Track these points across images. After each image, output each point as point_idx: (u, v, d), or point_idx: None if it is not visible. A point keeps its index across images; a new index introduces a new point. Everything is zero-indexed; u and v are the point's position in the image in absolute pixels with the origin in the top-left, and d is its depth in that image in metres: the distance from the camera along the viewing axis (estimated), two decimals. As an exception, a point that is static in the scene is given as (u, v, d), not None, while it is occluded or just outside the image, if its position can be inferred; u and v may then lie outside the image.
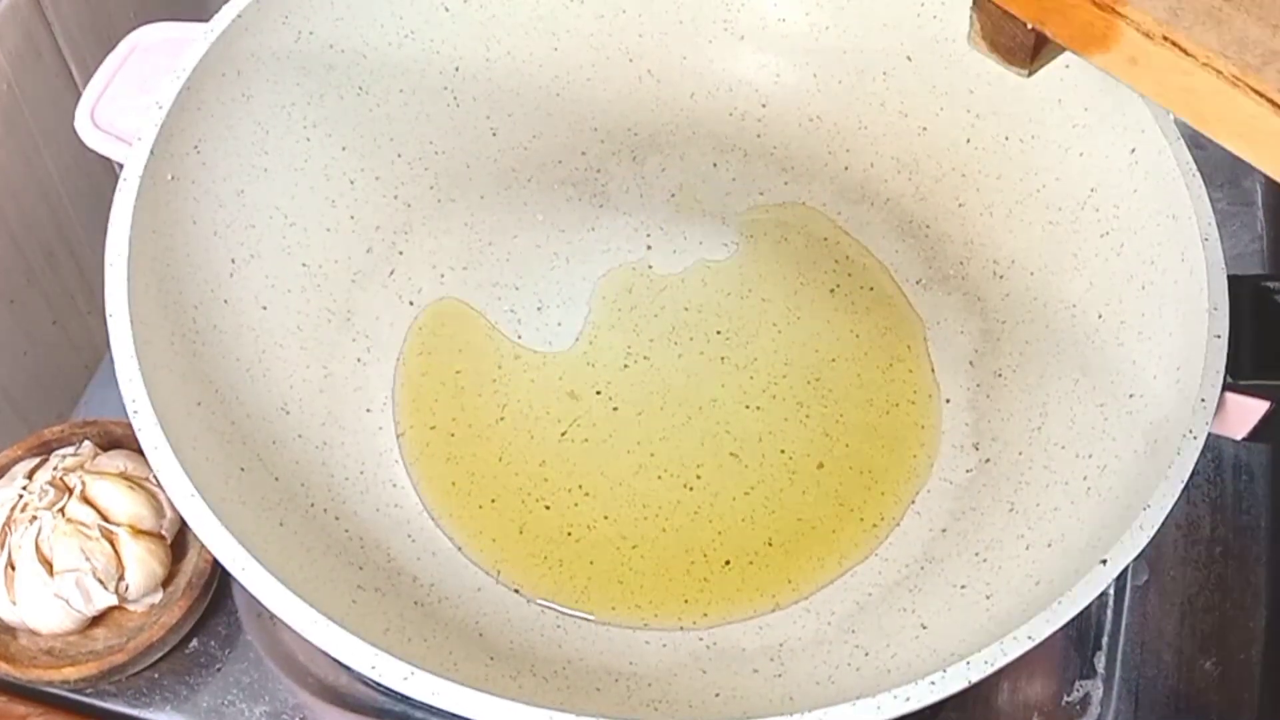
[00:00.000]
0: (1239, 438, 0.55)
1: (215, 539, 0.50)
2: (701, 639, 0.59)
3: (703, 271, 0.70)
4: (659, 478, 0.63)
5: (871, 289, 0.70)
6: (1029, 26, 0.43)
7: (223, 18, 0.61)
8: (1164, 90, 0.38)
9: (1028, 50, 0.46)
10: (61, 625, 0.59)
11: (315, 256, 0.66)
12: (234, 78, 0.62)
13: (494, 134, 0.72)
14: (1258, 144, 0.37)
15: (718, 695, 0.56)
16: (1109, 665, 0.63)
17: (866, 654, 0.56)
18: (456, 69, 0.71)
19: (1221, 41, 0.36)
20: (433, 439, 0.64)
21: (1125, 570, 0.50)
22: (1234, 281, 0.55)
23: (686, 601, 0.60)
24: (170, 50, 0.72)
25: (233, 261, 0.62)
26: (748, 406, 0.65)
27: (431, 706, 0.47)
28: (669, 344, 0.67)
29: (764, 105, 0.74)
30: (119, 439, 0.64)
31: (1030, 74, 0.48)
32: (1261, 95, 0.35)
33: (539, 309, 0.69)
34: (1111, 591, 0.49)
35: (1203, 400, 0.52)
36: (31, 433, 0.64)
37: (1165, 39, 0.37)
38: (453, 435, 0.64)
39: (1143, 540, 0.51)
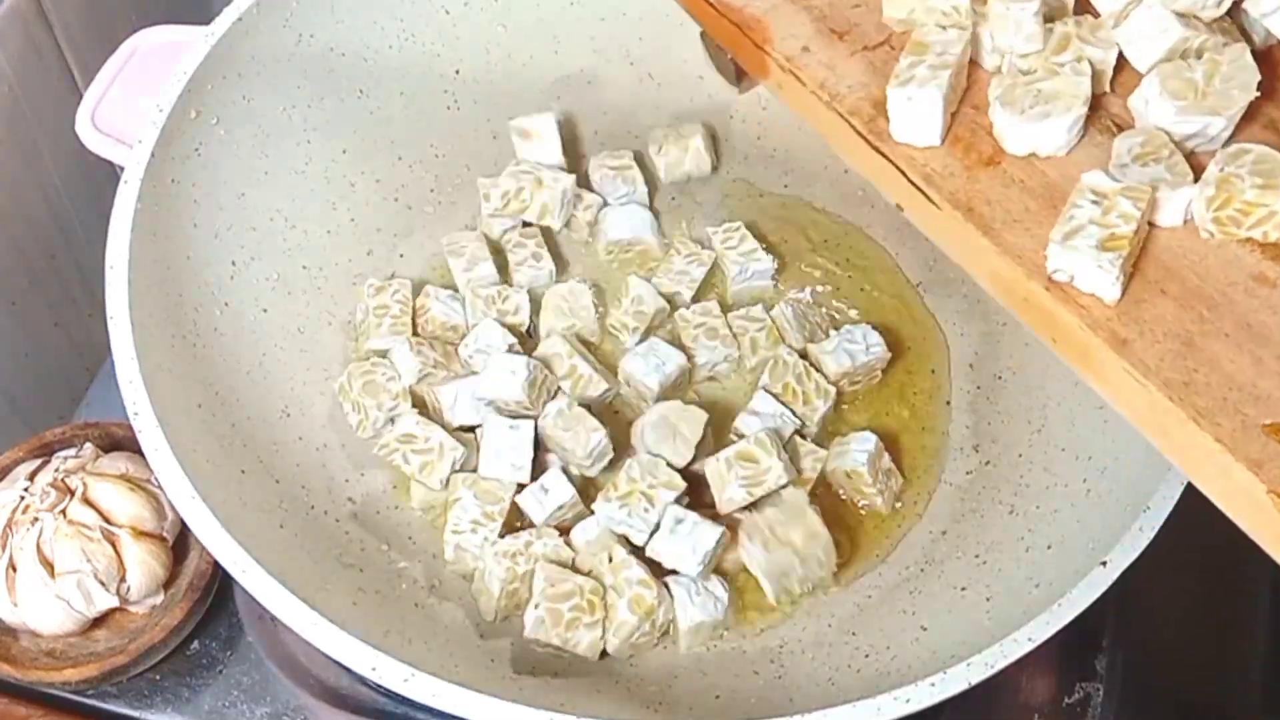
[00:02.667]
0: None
1: (216, 541, 0.50)
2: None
3: (703, 273, 0.70)
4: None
5: (873, 290, 0.70)
6: (729, 55, 0.55)
7: (223, 21, 0.61)
8: (802, 107, 0.51)
9: (733, 73, 0.59)
10: (63, 627, 0.59)
11: (316, 259, 0.66)
12: (235, 81, 0.62)
13: (494, 136, 0.72)
14: (846, 148, 0.50)
15: (718, 697, 0.56)
16: (1110, 667, 0.63)
17: (867, 655, 0.56)
18: (457, 72, 0.71)
19: (819, 79, 0.50)
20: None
21: (1125, 572, 0.50)
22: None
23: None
24: (171, 53, 0.72)
25: (233, 264, 0.62)
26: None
27: (432, 708, 0.47)
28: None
29: (764, 108, 0.74)
30: (120, 441, 0.64)
31: (741, 92, 0.62)
32: (845, 116, 0.50)
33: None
34: (1112, 593, 0.49)
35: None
36: (33, 434, 0.65)
37: (790, 71, 0.51)
38: (453, 437, 0.64)
39: (1143, 542, 0.51)
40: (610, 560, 0.58)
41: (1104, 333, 0.42)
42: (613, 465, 0.61)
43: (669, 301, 0.67)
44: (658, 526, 0.58)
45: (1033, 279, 0.44)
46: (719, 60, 0.59)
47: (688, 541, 0.57)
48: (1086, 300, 0.43)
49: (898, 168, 0.48)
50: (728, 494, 0.58)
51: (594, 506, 0.59)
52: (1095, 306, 0.43)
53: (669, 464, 0.59)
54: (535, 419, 0.61)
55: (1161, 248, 0.44)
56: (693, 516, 0.57)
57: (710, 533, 0.57)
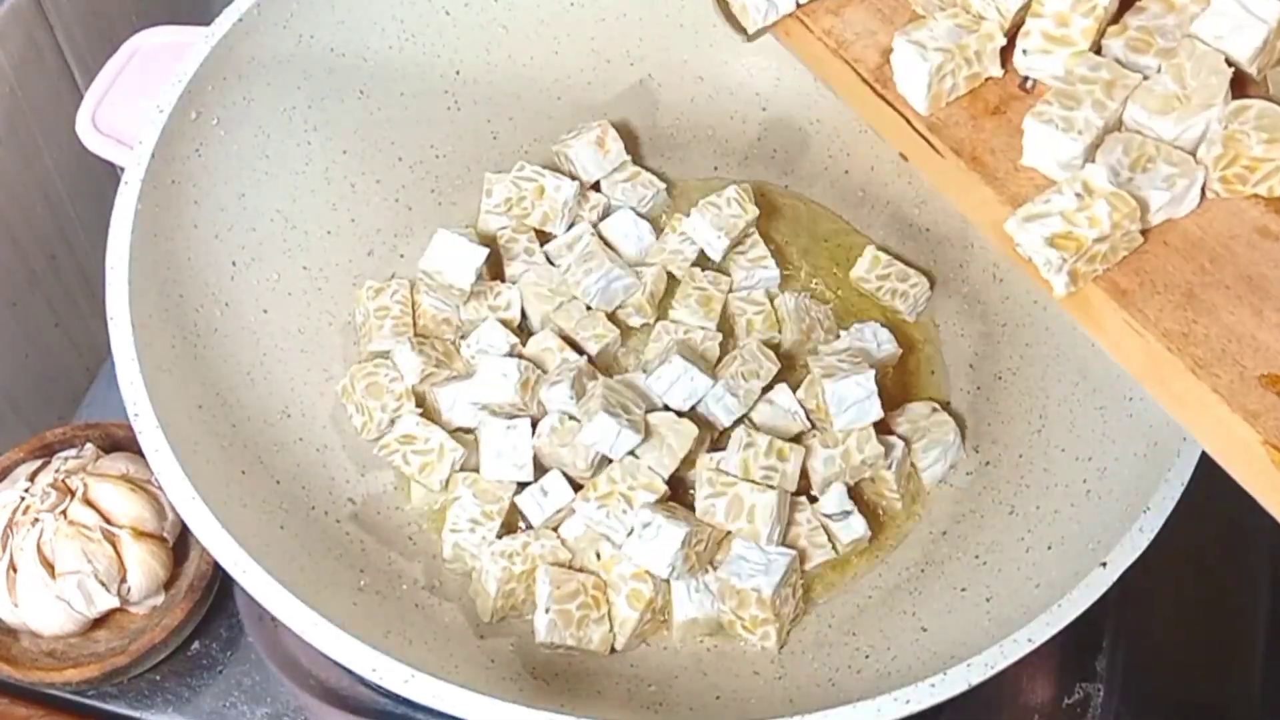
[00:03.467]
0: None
1: (216, 542, 0.50)
2: (703, 641, 0.59)
3: (703, 274, 0.70)
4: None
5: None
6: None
7: (224, 21, 0.61)
8: (808, 55, 0.51)
9: (741, 22, 0.55)
10: (63, 627, 0.59)
11: (316, 259, 0.66)
12: (235, 81, 0.62)
13: (495, 137, 0.72)
14: (851, 96, 0.50)
15: (718, 697, 0.56)
16: (1110, 667, 0.63)
17: (867, 656, 0.56)
18: (457, 72, 0.71)
19: (826, 26, 0.50)
20: (434, 442, 0.64)
21: (1125, 572, 0.50)
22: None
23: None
24: (171, 54, 0.72)
25: (234, 265, 0.62)
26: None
27: (432, 709, 0.47)
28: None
29: (764, 109, 0.74)
30: (121, 441, 0.65)
31: (749, 40, 0.58)
32: (851, 64, 0.49)
33: (540, 312, 0.69)
34: (1112, 594, 0.49)
35: (1202, 403, 0.52)
36: (33, 435, 0.65)
37: (796, 17, 0.50)
38: (454, 438, 0.64)
39: (1143, 543, 0.51)
40: (599, 558, 0.58)
41: (1104, 283, 0.42)
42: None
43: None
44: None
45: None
46: (725, 9, 0.59)
47: (654, 544, 0.56)
48: None
49: (902, 115, 0.47)
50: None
51: (574, 505, 0.59)
52: None
53: (651, 466, 0.59)
54: (532, 417, 0.61)
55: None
56: (659, 519, 0.56)
57: (674, 534, 0.56)
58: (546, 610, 0.56)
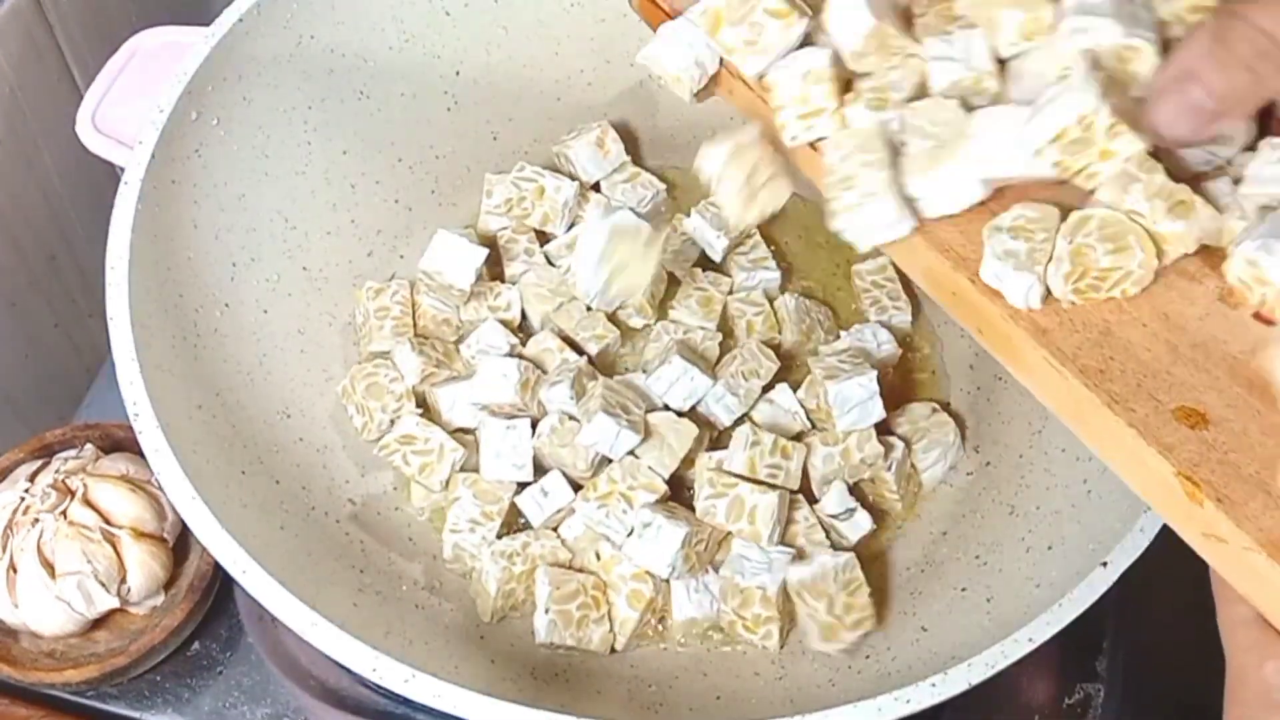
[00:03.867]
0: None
1: (216, 542, 0.50)
2: (703, 641, 0.59)
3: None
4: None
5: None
6: None
7: (224, 22, 0.61)
8: (746, 107, 0.52)
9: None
10: (63, 628, 0.59)
11: (316, 260, 0.66)
12: (235, 82, 0.62)
13: (495, 138, 0.72)
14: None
15: (718, 698, 0.56)
16: (1110, 668, 0.63)
17: (867, 656, 0.56)
18: (457, 73, 0.71)
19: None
20: (434, 442, 0.64)
21: (1126, 572, 0.50)
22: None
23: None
24: (171, 54, 0.72)
25: (234, 265, 0.62)
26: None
27: (433, 709, 0.47)
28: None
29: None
30: (121, 442, 0.65)
31: (698, 101, 0.59)
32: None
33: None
34: (1113, 594, 0.49)
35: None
36: (33, 435, 0.65)
37: (737, 76, 0.51)
38: (454, 438, 0.64)
39: (1143, 542, 0.51)
40: (599, 558, 0.58)
41: (1025, 322, 0.44)
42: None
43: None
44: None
45: (958, 271, 0.45)
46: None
47: (654, 545, 0.56)
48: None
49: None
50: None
51: (574, 505, 0.59)
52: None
53: (651, 466, 0.59)
54: (532, 418, 0.61)
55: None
56: (659, 519, 0.56)
57: (675, 534, 0.56)
58: (546, 611, 0.56)
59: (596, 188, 0.71)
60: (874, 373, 0.60)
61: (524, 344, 0.64)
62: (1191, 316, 0.43)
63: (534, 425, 0.61)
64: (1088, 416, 0.42)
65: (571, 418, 0.60)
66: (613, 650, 0.58)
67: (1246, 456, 0.39)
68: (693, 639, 0.58)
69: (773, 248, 0.69)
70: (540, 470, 0.61)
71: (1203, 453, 0.40)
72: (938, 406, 0.64)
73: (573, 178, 0.69)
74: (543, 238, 0.69)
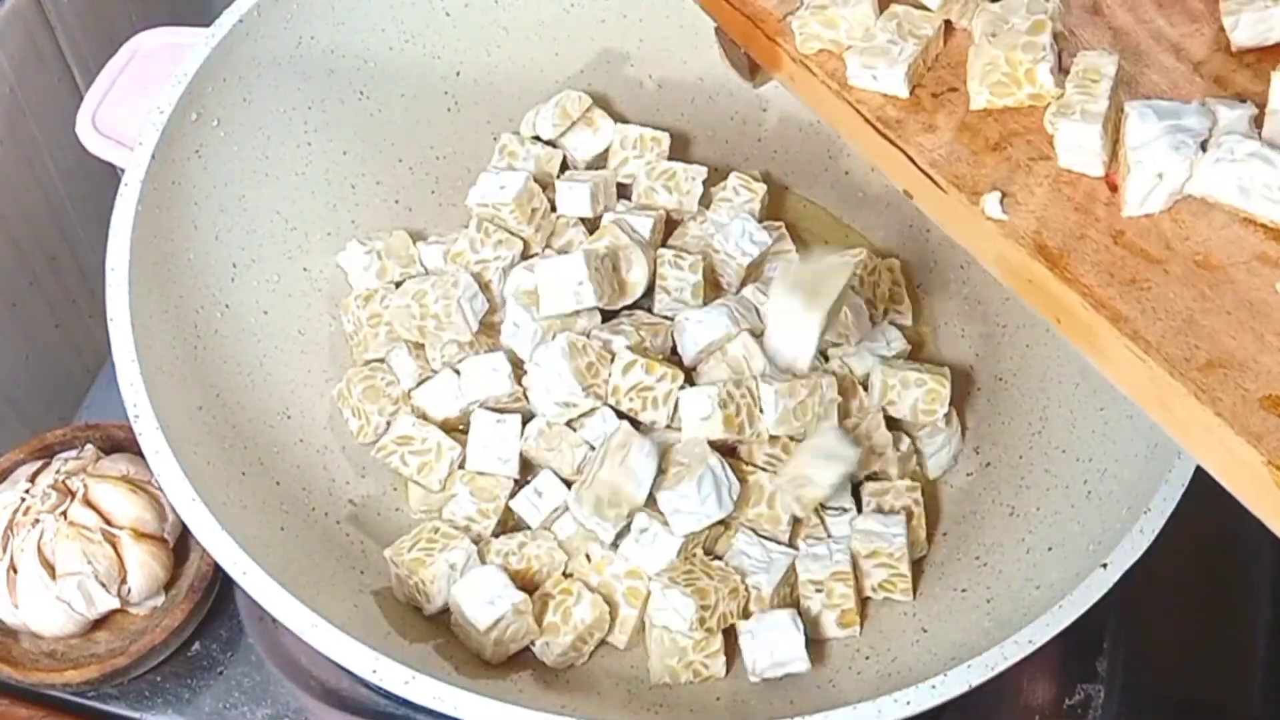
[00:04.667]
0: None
1: (216, 543, 0.50)
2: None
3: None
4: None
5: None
6: (742, 50, 0.56)
7: (224, 23, 0.61)
8: (813, 98, 0.53)
9: (747, 68, 0.60)
10: (63, 628, 0.59)
11: (316, 261, 0.66)
12: (235, 83, 0.62)
13: (495, 139, 0.72)
14: (856, 136, 0.51)
15: (718, 699, 0.56)
16: (1110, 669, 0.63)
17: (867, 657, 0.56)
18: (457, 74, 0.71)
19: (830, 69, 0.52)
20: (434, 443, 0.64)
21: (1126, 574, 0.50)
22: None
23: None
24: (171, 55, 0.72)
25: (234, 266, 0.62)
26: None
27: (433, 710, 0.47)
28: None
29: (764, 110, 0.74)
30: (121, 442, 0.65)
31: (756, 86, 0.63)
32: (854, 105, 0.51)
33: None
34: (1113, 595, 0.49)
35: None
36: (34, 436, 0.65)
37: (801, 62, 0.52)
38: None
39: (1143, 544, 0.51)
40: (590, 560, 0.58)
41: (1107, 311, 0.43)
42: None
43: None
44: (627, 528, 0.58)
45: (1036, 259, 0.44)
46: (733, 55, 0.60)
47: (651, 549, 0.57)
48: (1089, 279, 0.44)
49: (905, 154, 0.49)
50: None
51: (567, 501, 0.59)
52: (1098, 286, 0.44)
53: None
54: (521, 413, 0.61)
55: (1164, 227, 0.45)
56: (655, 526, 0.57)
57: (669, 545, 0.56)
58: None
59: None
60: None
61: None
62: (1275, 304, 0.42)
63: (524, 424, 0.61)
64: (1173, 406, 0.41)
65: (569, 404, 0.60)
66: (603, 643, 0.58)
67: None
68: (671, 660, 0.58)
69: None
70: (527, 469, 0.61)
71: None
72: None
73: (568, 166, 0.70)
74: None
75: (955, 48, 0.52)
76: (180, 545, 0.62)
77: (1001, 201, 0.46)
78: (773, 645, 0.55)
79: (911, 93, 0.50)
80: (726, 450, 0.59)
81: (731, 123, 0.75)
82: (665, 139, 0.69)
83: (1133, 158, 0.45)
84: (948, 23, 0.52)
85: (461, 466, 0.61)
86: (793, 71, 0.53)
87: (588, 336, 0.60)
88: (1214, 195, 0.44)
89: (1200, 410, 0.40)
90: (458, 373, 0.62)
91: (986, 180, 0.47)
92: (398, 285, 0.65)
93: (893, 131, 0.49)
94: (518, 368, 0.62)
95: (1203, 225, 0.44)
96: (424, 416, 0.62)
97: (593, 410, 0.59)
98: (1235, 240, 0.44)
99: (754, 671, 0.55)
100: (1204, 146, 0.45)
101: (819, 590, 0.57)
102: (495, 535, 0.60)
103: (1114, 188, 0.46)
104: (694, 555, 0.57)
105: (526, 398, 0.61)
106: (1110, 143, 0.46)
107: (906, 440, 0.62)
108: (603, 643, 0.58)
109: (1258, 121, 0.45)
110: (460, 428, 0.63)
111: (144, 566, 0.60)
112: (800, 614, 0.57)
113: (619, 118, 0.71)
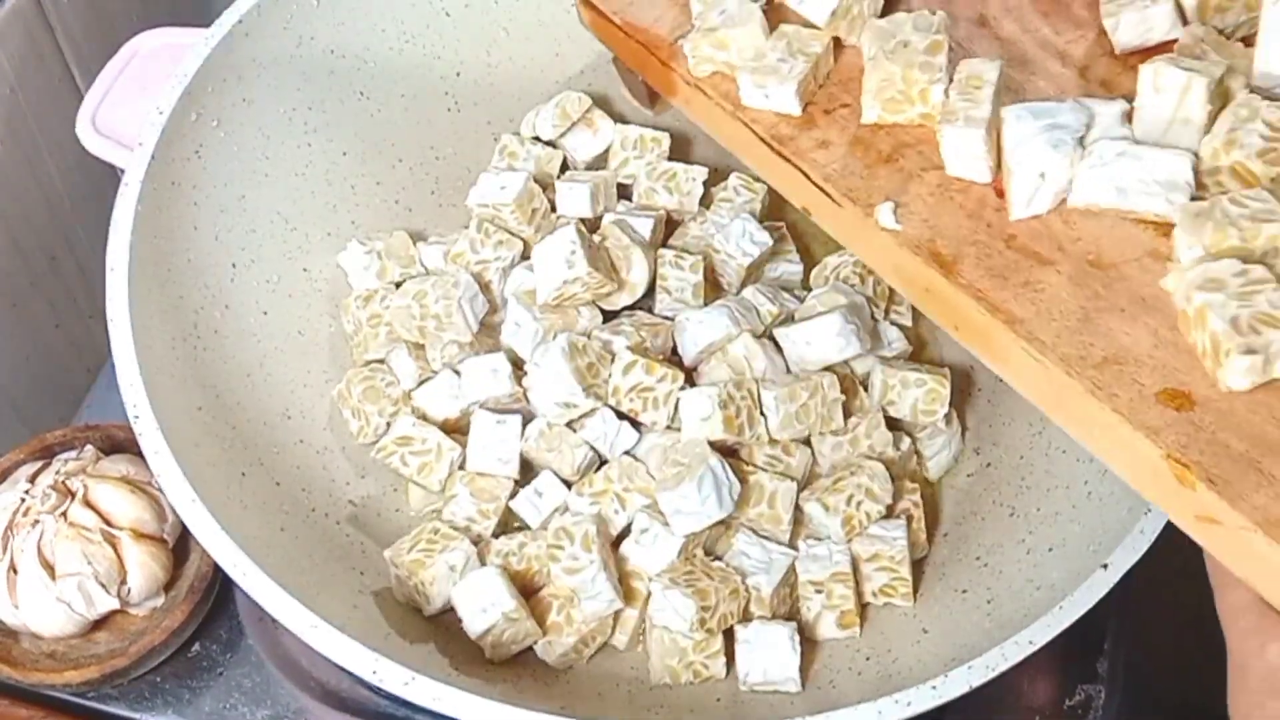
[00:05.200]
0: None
1: (216, 544, 0.50)
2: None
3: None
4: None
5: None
6: (640, 78, 0.58)
7: (224, 23, 0.61)
8: (709, 121, 0.54)
9: (645, 95, 0.63)
10: (63, 629, 0.59)
11: (316, 261, 0.66)
12: (235, 83, 0.62)
13: (495, 139, 0.72)
14: (752, 156, 0.52)
15: (719, 700, 0.56)
16: (1111, 669, 0.63)
17: (868, 658, 0.56)
18: (458, 74, 0.71)
19: (723, 90, 0.53)
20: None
21: (1126, 574, 0.50)
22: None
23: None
24: (171, 55, 0.72)
25: (234, 266, 0.62)
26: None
27: (433, 711, 0.47)
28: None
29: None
30: (121, 443, 0.65)
31: (656, 113, 0.66)
32: (748, 124, 0.52)
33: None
34: (1113, 596, 0.49)
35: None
36: (34, 436, 0.65)
37: (695, 86, 0.53)
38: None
39: (1144, 544, 0.51)
40: None
41: (1001, 314, 0.43)
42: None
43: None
44: (627, 529, 0.58)
45: (930, 267, 0.45)
46: (631, 84, 0.62)
47: (652, 550, 0.57)
48: (984, 284, 0.44)
49: (800, 170, 0.50)
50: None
51: (567, 499, 0.59)
52: (992, 290, 0.44)
53: (649, 471, 0.59)
54: (524, 415, 0.61)
55: (1055, 229, 0.45)
56: (656, 527, 0.57)
57: (670, 545, 0.56)
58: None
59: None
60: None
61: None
62: (1167, 298, 0.43)
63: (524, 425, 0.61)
64: (1070, 405, 0.42)
65: (569, 404, 0.60)
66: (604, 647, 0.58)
67: (1235, 434, 0.39)
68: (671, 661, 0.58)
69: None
70: (527, 470, 0.61)
71: (1191, 434, 0.39)
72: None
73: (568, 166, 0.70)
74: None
75: (845, 64, 0.53)
76: (180, 546, 0.62)
77: (895, 211, 0.46)
78: (766, 662, 0.55)
79: (804, 110, 0.51)
80: (727, 451, 0.59)
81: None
82: (665, 139, 0.69)
83: (1013, 159, 0.45)
84: (837, 40, 0.53)
85: (461, 467, 0.61)
86: (688, 95, 0.54)
87: (588, 337, 0.60)
88: (1095, 203, 0.45)
89: (1097, 407, 0.41)
90: (458, 373, 0.62)
91: (880, 192, 0.48)
92: (398, 285, 0.65)
93: (787, 148, 0.50)
94: (518, 368, 0.62)
95: (1093, 225, 0.45)
96: (424, 417, 0.62)
97: (593, 411, 0.59)
98: (1126, 238, 0.44)
99: (744, 681, 0.55)
100: (1082, 143, 0.45)
101: (819, 591, 0.57)
102: (495, 536, 0.59)
103: (1001, 193, 0.46)
104: (694, 556, 0.57)
105: (527, 398, 0.61)
106: (995, 149, 0.47)
107: (907, 440, 0.62)
108: (604, 644, 0.58)
109: (1129, 117, 0.45)
110: (461, 428, 0.63)
111: (144, 567, 0.60)
112: (800, 623, 0.57)
113: (619, 118, 0.71)
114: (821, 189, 0.49)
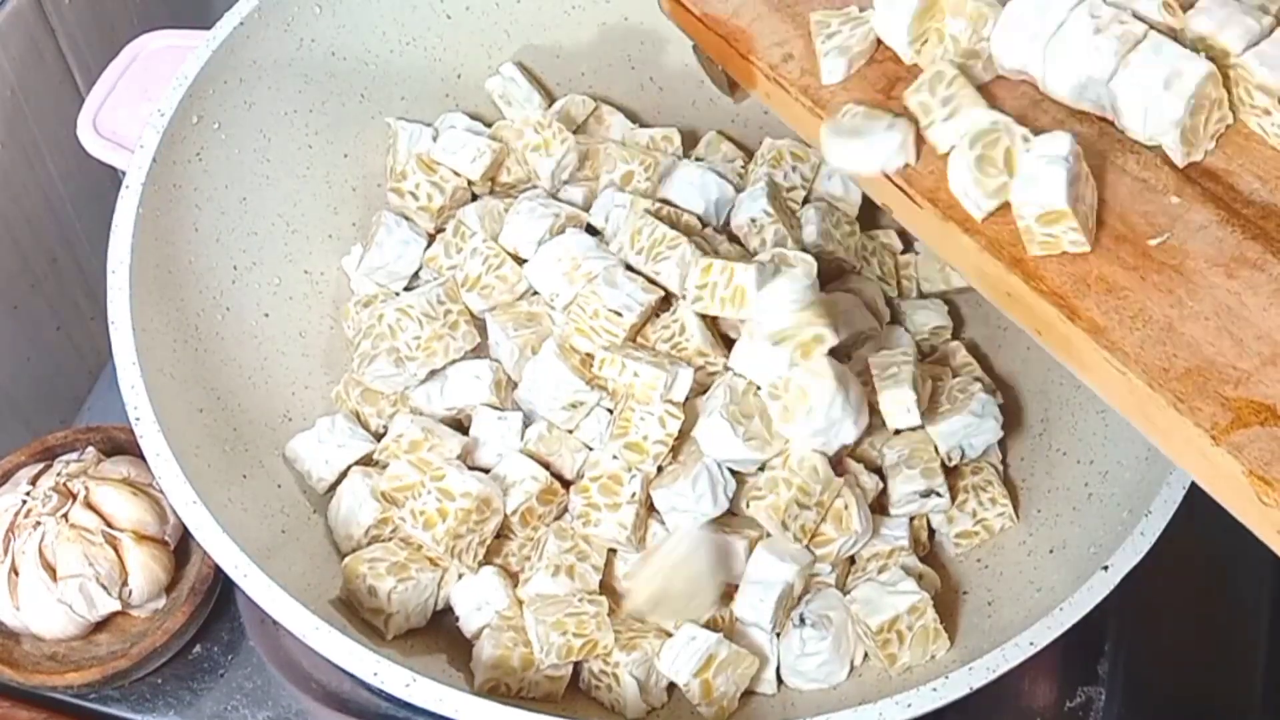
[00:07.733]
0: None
1: (217, 545, 0.50)
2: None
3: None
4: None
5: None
6: (720, 68, 0.57)
7: (225, 25, 0.61)
8: (789, 114, 0.53)
9: (726, 84, 0.62)
10: (65, 631, 0.59)
11: (317, 263, 0.66)
12: (236, 85, 0.62)
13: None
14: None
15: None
16: (1112, 671, 0.63)
17: (868, 659, 0.56)
18: (459, 76, 0.71)
19: (802, 85, 0.52)
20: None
21: (1127, 576, 0.50)
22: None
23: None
24: (172, 58, 0.72)
25: (235, 269, 0.62)
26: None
27: (434, 713, 0.47)
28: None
29: (765, 112, 0.74)
30: (122, 445, 0.65)
31: (736, 101, 0.66)
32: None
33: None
34: (1114, 597, 0.49)
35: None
36: (35, 438, 0.65)
37: (774, 79, 0.52)
38: (455, 441, 0.64)
39: (1144, 546, 0.51)
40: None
41: (1083, 322, 0.42)
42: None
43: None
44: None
45: (1013, 273, 0.44)
46: (712, 72, 0.61)
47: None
48: (1065, 290, 0.43)
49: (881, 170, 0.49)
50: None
51: (564, 499, 0.59)
52: (1074, 296, 0.43)
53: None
54: (521, 411, 0.61)
55: (1142, 232, 0.44)
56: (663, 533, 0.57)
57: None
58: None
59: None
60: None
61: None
62: (1255, 307, 0.41)
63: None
64: (1153, 416, 0.41)
65: (575, 404, 0.60)
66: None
67: None
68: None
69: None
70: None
71: (1274, 450, 0.38)
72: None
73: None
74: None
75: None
76: (181, 548, 0.62)
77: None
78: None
79: None
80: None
81: (733, 124, 0.74)
82: (675, 135, 0.69)
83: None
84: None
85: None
86: (768, 89, 0.53)
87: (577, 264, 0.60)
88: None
89: (1180, 421, 0.40)
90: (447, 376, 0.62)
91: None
92: (398, 292, 0.65)
93: None
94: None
95: (1180, 228, 0.44)
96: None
97: (589, 412, 0.59)
98: (1213, 242, 0.43)
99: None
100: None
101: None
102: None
103: None
104: None
105: (518, 407, 0.61)
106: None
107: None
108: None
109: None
110: (463, 428, 0.63)
111: (145, 569, 0.60)
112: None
113: (632, 117, 0.71)
114: (902, 189, 0.48)
